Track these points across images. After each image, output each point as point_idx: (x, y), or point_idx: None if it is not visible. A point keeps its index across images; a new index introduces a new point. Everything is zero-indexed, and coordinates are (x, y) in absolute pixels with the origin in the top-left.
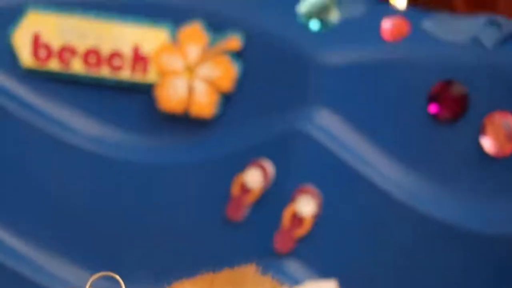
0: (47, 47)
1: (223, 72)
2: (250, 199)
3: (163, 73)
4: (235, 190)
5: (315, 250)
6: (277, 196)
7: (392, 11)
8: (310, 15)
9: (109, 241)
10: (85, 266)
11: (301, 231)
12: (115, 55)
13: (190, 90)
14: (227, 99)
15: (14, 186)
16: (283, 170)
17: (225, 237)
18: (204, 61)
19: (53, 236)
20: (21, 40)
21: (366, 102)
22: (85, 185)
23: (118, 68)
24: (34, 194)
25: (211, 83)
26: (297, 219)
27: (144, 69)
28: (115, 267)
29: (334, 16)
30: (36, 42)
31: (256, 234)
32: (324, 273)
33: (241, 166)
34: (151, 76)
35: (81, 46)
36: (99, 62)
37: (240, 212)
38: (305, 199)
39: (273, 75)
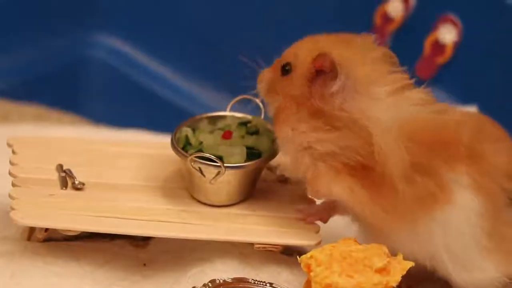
0: None
1: None
2: (392, 27)
3: None
4: (377, 19)
5: (456, 76)
6: (418, 25)
7: None
8: None
9: (250, 70)
10: (227, 93)
11: (443, 58)
12: None
13: None
14: None
15: (165, 21)
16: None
17: None
18: None
19: (198, 65)
20: None
21: None
22: (226, 18)
23: None
24: (181, 27)
25: None
26: (438, 47)
27: None
28: (255, 95)
29: None
30: None
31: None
32: (464, 99)
33: None
34: None
35: None
36: None
37: (382, 40)
38: (446, 27)
39: None
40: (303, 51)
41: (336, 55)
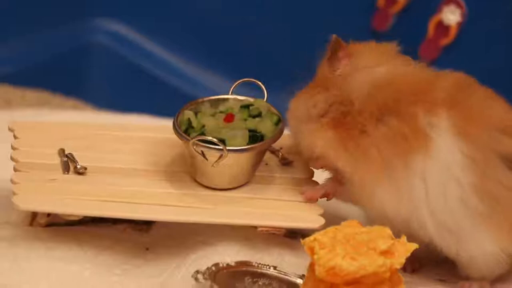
0: None
1: None
2: (395, 9)
3: None
4: (381, 1)
5: (459, 58)
6: (422, 6)
7: None
8: None
9: (251, 53)
10: (229, 76)
11: (446, 40)
12: None
13: None
14: None
15: (166, 6)
16: None
17: None
18: None
19: (201, 48)
20: None
21: None
22: (228, 2)
23: None
24: (183, 12)
25: None
26: (442, 28)
27: None
28: (257, 78)
29: None
30: None
31: (401, 44)
32: None
33: None
34: None
35: None
36: None
37: (386, 22)
38: (450, 8)
39: None
40: None
41: (349, 46)
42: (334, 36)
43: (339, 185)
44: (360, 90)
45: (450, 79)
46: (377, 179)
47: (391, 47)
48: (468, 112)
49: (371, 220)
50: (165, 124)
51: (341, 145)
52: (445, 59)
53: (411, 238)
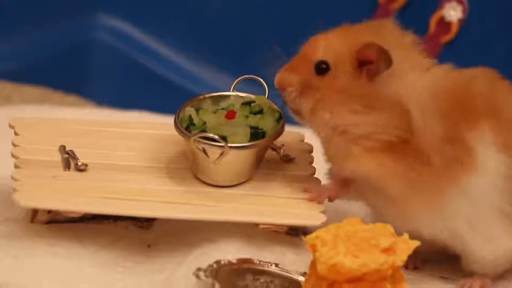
0: None
1: None
2: (397, 5)
3: None
4: None
5: (461, 54)
6: (424, 2)
7: None
8: None
9: (253, 50)
10: (230, 73)
11: (448, 37)
12: None
13: None
14: None
15: (168, 2)
16: None
17: None
18: None
19: (202, 45)
20: None
21: None
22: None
23: None
24: (184, 8)
25: None
26: (444, 25)
27: None
28: (258, 74)
29: None
30: None
31: None
32: None
33: None
34: None
35: None
36: None
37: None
38: (451, 5)
39: None
40: (338, 46)
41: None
42: (373, 44)
43: (343, 186)
44: (419, 120)
45: (483, 82)
46: (428, 208)
47: (419, 50)
48: (503, 119)
49: (374, 217)
50: (166, 121)
51: (391, 171)
52: (446, 56)
53: (418, 238)
